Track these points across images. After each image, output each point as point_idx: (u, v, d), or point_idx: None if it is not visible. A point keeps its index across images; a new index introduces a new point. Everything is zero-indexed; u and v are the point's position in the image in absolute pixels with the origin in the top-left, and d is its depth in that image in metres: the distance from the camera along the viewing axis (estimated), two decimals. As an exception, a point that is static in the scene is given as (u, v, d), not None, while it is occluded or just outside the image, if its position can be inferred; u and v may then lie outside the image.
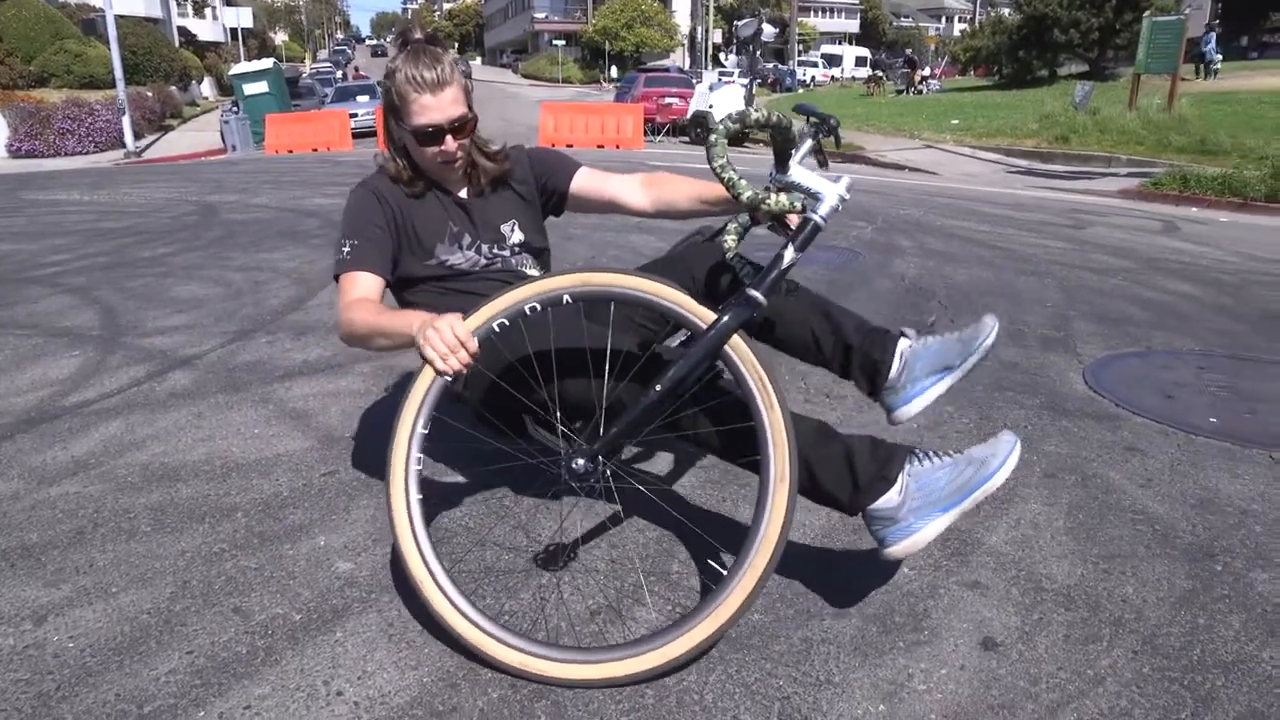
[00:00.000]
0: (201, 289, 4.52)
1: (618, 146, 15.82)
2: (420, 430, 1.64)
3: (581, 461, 1.61)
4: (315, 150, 16.82)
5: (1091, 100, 15.57)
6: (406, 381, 2.94)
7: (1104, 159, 12.43)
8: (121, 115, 17.32)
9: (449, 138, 1.87)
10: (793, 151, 1.62)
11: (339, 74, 38.55)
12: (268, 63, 21.73)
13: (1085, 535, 1.98)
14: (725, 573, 1.53)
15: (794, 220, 1.75)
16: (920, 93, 29.10)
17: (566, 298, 1.59)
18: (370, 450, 2.48)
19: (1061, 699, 1.46)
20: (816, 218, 1.55)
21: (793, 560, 1.88)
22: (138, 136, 17.91)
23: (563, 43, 50.03)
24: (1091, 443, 2.51)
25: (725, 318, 1.52)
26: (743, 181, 1.55)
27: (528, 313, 1.60)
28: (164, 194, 9.07)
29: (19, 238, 6.34)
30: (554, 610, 1.74)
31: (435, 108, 1.84)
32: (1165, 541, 1.95)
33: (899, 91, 30.33)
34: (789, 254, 1.54)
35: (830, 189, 1.56)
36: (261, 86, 19.93)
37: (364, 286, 1.87)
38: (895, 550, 1.56)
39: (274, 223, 6.77)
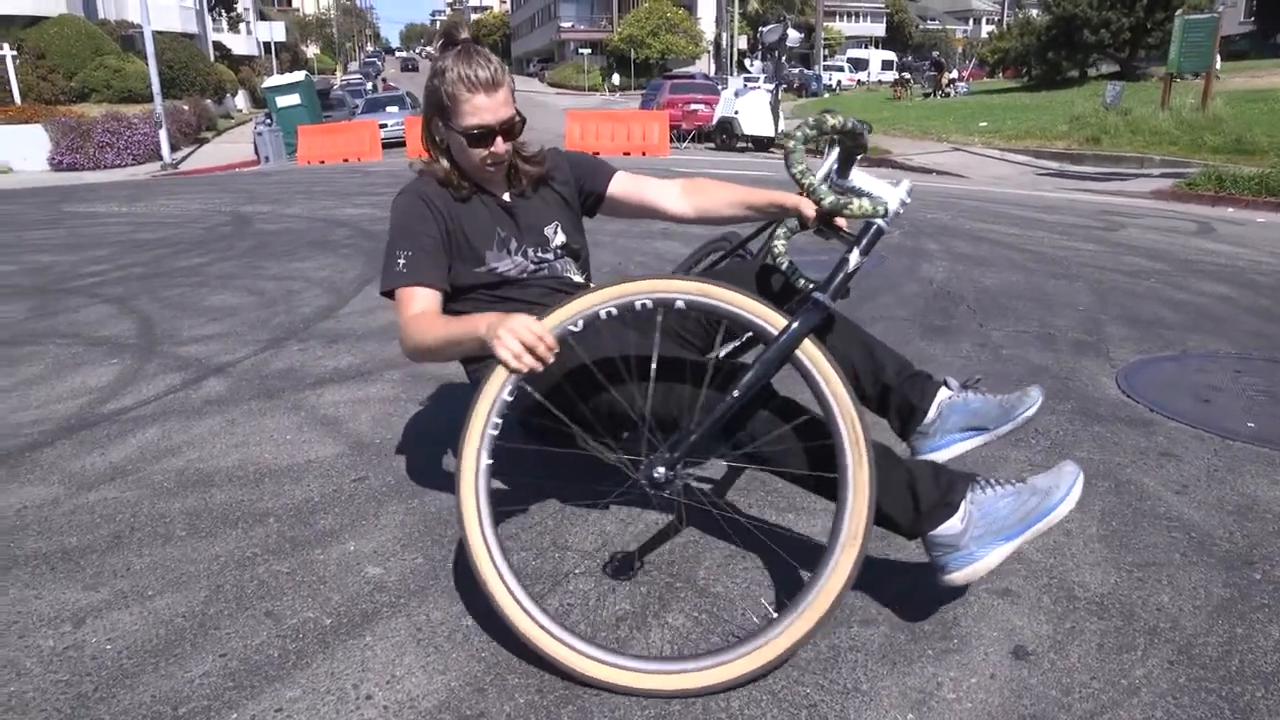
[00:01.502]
0: (235, 298, 4.59)
1: (644, 154, 15.85)
2: (490, 433, 1.60)
3: (662, 470, 1.61)
4: (346, 160, 17.06)
5: (1123, 100, 15.34)
6: (438, 390, 2.99)
7: (1136, 160, 12.24)
8: (159, 128, 17.67)
9: (499, 139, 1.85)
10: (858, 157, 1.64)
11: (369, 85, 39.04)
12: (299, 75, 22.07)
13: (1119, 543, 1.95)
14: (775, 615, 1.53)
15: (844, 223, 1.75)
16: (948, 95, 28.87)
17: (680, 302, 1.57)
18: (400, 457, 2.51)
19: (1095, 709, 1.44)
20: (880, 221, 1.59)
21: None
22: (174, 149, 18.25)
23: (588, 51, 50.28)
24: (1125, 448, 2.47)
25: (795, 323, 1.53)
26: (823, 187, 1.56)
27: (637, 308, 1.58)
28: (199, 205, 9.24)
29: (60, 249, 6.49)
30: (581, 615, 1.75)
31: (488, 109, 1.81)
32: (1202, 549, 1.92)
33: (926, 95, 30.11)
34: (854, 258, 1.58)
35: (891, 193, 1.60)
36: (293, 99, 20.24)
37: (423, 301, 1.83)
38: (956, 577, 1.57)
39: (306, 232, 6.88)
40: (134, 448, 2.63)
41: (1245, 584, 1.78)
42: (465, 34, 1.88)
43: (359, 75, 53.19)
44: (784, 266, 1.77)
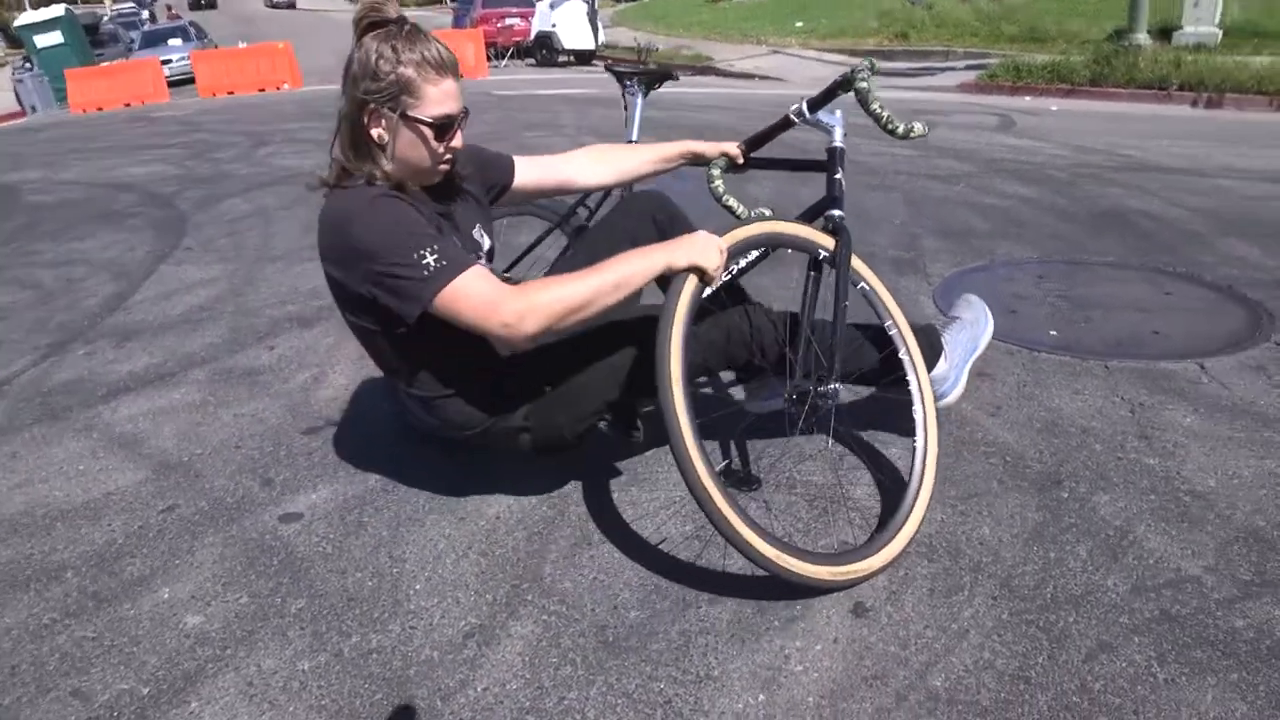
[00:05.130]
0: (6, 295, 4.06)
1: (461, 76, 15.11)
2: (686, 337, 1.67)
3: (834, 385, 1.78)
4: (128, 105, 15.37)
5: (926, -7, 15.87)
6: (250, 390, 2.73)
7: (942, 53, 12.78)
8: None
9: (458, 131, 1.70)
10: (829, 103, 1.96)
11: (144, 15, 34.98)
12: (59, 9, 19.38)
13: (944, 476, 2.02)
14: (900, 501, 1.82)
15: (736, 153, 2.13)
16: (764, -7, 28.89)
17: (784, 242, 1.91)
18: (213, 476, 2.29)
19: (930, 659, 1.51)
20: (838, 144, 1.95)
21: (663, 548, 1.86)
22: (-88, 105, 15.85)
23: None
24: (944, 371, 2.58)
25: (844, 239, 1.88)
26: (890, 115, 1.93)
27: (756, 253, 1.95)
28: (-49, 177, 8.07)
29: None
30: (425, 635, 1.67)
31: (453, 94, 1.67)
32: (1016, 473, 2.03)
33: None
34: (840, 176, 1.94)
35: (835, 119, 1.96)
36: (55, 37, 17.87)
37: (489, 277, 1.63)
38: (951, 399, 2.07)
39: (85, 203, 6.15)
40: (-110, 504, 2.28)
41: (1055, 505, 1.90)
42: (395, 11, 1.66)
43: (131, 4, 47.52)
44: (731, 203, 2.05)
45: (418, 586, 1.81)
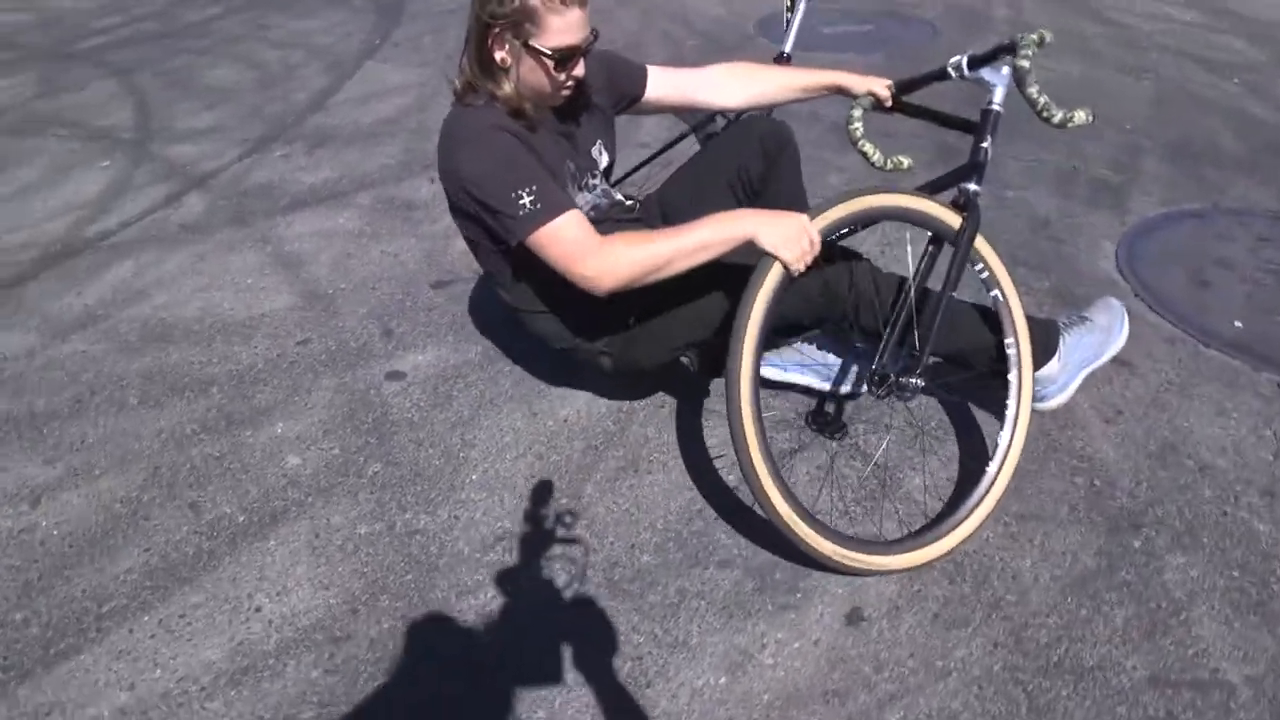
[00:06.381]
0: (235, 73, 4.46)
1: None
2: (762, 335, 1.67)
3: (917, 380, 1.75)
4: None
5: None
6: (402, 225, 2.95)
7: None
8: None
9: (582, 60, 1.71)
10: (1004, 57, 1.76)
11: None
12: None
13: (1013, 487, 1.90)
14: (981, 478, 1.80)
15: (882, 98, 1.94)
16: None
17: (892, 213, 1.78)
18: (346, 315, 2.56)
19: (897, 692, 1.51)
20: (996, 107, 1.76)
21: (700, 495, 1.92)
22: None
23: None
24: (1084, 348, 2.32)
25: (969, 218, 1.76)
26: (1049, 103, 1.70)
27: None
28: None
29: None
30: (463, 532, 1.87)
31: (578, 25, 1.64)
32: (1095, 503, 1.87)
33: None
34: (987, 145, 1.77)
35: (1001, 78, 1.75)
36: None
37: (582, 224, 1.65)
38: (1051, 404, 1.97)
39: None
40: (107, 287, 2.75)
41: (1118, 553, 1.75)
42: None
43: None
44: (866, 149, 1.85)
45: (474, 477, 2.00)
